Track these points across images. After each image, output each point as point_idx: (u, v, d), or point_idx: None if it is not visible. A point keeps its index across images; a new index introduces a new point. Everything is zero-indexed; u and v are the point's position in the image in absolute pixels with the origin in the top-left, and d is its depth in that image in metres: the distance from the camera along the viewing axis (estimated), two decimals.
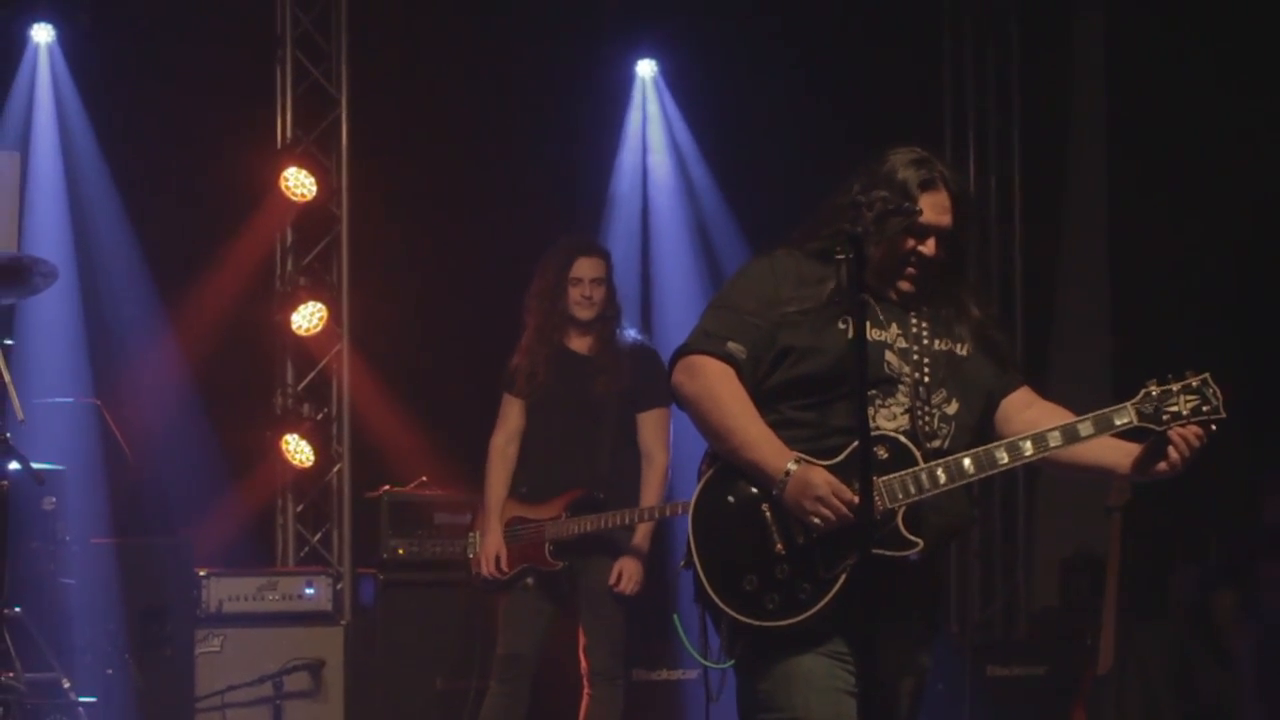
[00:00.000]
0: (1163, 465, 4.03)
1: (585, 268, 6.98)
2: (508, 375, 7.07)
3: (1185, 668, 7.58)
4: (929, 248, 4.14)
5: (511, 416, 7.06)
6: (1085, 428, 4.04)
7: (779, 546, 3.98)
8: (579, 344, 7.00)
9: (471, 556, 7.03)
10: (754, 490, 4.03)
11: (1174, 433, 3.99)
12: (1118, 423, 4.03)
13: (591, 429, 6.90)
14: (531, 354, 7.00)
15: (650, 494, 6.88)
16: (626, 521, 6.77)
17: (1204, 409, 3.99)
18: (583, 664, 6.92)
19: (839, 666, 4.01)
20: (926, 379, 4.12)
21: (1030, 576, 9.91)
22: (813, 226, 4.19)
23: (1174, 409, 4.00)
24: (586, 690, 6.91)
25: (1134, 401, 4.03)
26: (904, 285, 4.17)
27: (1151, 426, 4.01)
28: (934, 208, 4.11)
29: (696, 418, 4.13)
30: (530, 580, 6.88)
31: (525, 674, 6.93)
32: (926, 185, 4.11)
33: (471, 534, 7.06)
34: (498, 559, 6.86)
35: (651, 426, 6.93)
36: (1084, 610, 8.22)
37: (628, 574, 6.79)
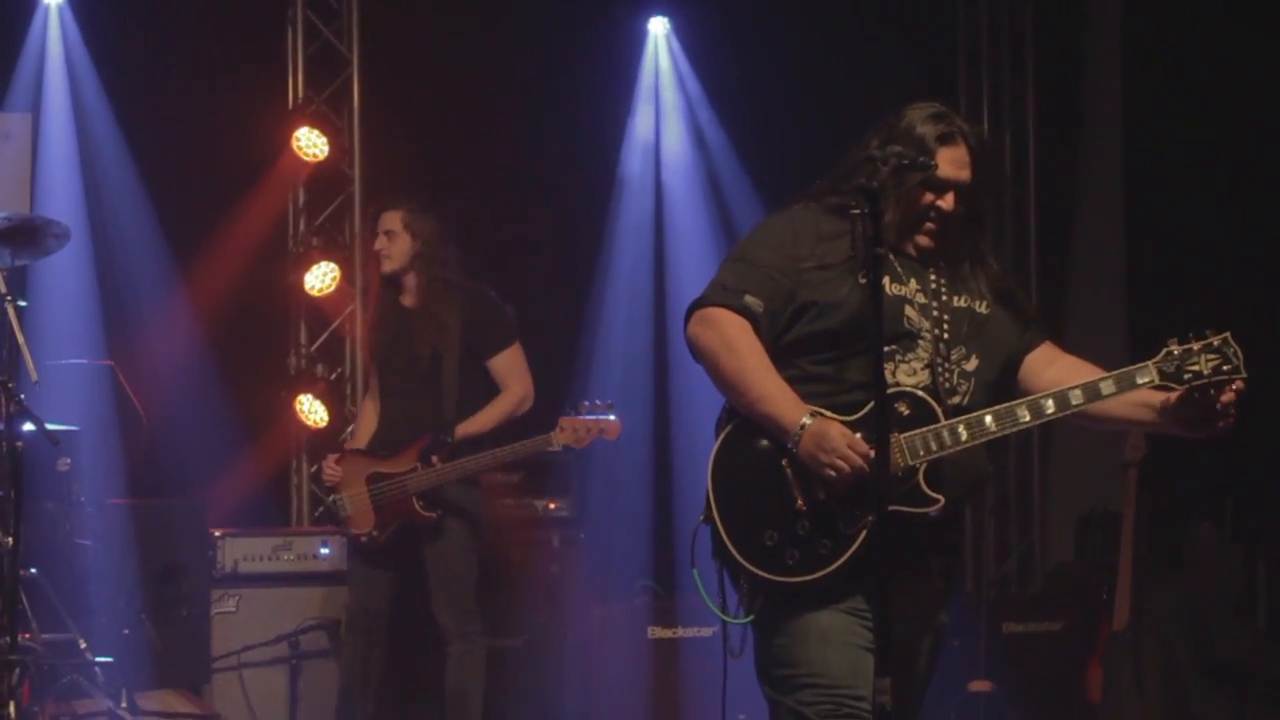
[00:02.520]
0: (1222, 424, 4.01)
1: (380, 222, 7.05)
2: None
3: (1202, 622, 7.56)
4: (947, 203, 4.12)
5: (370, 378, 7.23)
6: (1107, 386, 4.03)
7: (799, 502, 3.97)
8: (407, 299, 7.06)
9: (344, 516, 7.03)
10: (774, 446, 4.01)
11: (1222, 395, 3.98)
12: (1140, 381, 4.02)
13: (430, 380, 6.93)
14: (369, 316, 7.16)
15: (488, 413, 6.92)
16: (488, 463, 6.86)
17: (1224, 368, 3.98)
18: (438, 624, 6.98)
19: (858, 623, 4.00)
20: (946, 335, 4.10)
21: (1046, 532, 9.89)
22: (831, 181, 4.17)
23: (1195, 368, 3.98)
24: (447, 650, 6.97)
25: (1155, 360, 4.01)
26: (922, 240, 4.15)
27: (1173, 385, 4.00)
28: (952, 163, 4.09)
29: (711, 370, 4.11)
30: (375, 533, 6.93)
31: (377, 627, 7.04)
32: (945, 140, 4.09)
33: (337, 495, 7.05)
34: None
35: (504, 369, 6.98)
36: (1100, 566, 8.19)
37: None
